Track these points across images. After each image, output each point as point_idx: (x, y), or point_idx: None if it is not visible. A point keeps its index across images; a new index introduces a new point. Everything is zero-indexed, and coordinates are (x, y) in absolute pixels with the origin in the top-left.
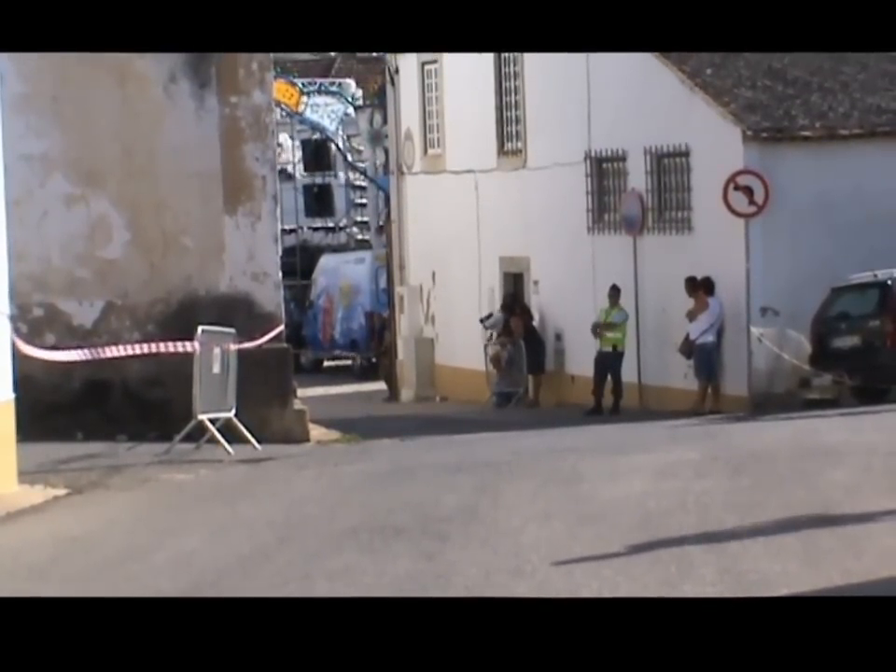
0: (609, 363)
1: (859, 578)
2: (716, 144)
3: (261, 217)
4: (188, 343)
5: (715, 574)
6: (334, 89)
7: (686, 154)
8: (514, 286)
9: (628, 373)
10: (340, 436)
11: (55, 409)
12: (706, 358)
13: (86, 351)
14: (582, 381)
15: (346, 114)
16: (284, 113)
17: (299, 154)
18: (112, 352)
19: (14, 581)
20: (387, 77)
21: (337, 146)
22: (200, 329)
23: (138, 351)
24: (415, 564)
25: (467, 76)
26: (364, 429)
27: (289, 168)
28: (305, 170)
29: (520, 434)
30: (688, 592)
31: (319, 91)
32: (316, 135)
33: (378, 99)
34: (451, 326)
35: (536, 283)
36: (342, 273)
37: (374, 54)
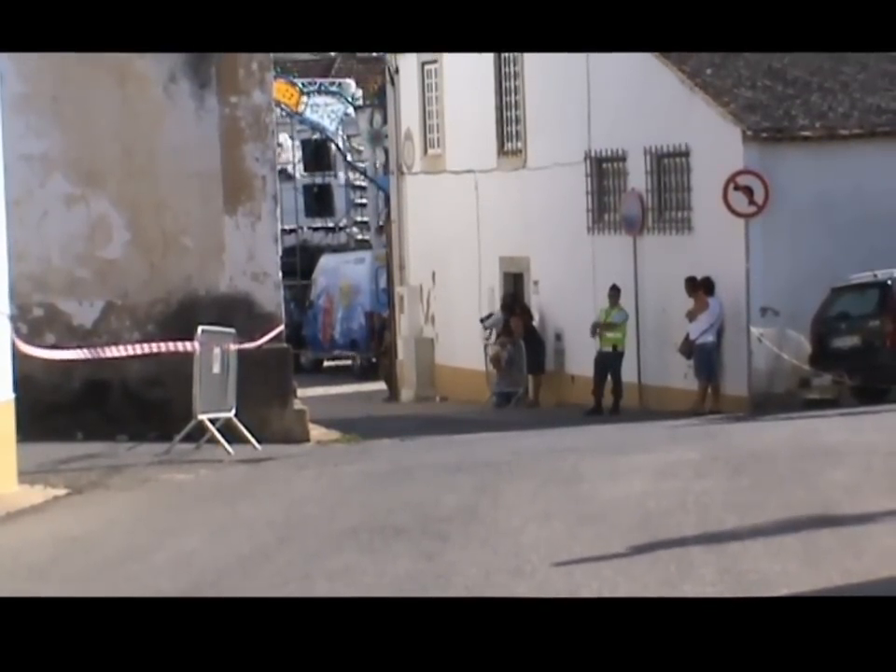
0: (609, 363)
1: (859, 578)
2: (716, 144)
3: (261, 217)
4: (188, 343)
5: (715, 574)
6: (334, 89)
7: (686, 154)
8: (514, 286)
9: (628, 373)
10: (340, 436)
11: (55, 409)
12: (706, 358)
13: (86, 351)
14: (582, 381)
15: (346, 114)
16: (284, 113)
17: (299, 154)
18: (112, 352)
19: (14, 581)
20: (387, 77)
21: (337, 146)
22: (200, 329)
23: (138, 351)
24: (415, 564)
25: (467, 76)
26: (364, 429)
27: (289, 168)
28: (305, 170)
29: (520, 434)
30: (688, 592)
31: (319, 91)
32: (316, 135)
33: (378, 99)
34: (451, 326)
35: (536, 283)
36: (342, 273)
37: (374, 54)
